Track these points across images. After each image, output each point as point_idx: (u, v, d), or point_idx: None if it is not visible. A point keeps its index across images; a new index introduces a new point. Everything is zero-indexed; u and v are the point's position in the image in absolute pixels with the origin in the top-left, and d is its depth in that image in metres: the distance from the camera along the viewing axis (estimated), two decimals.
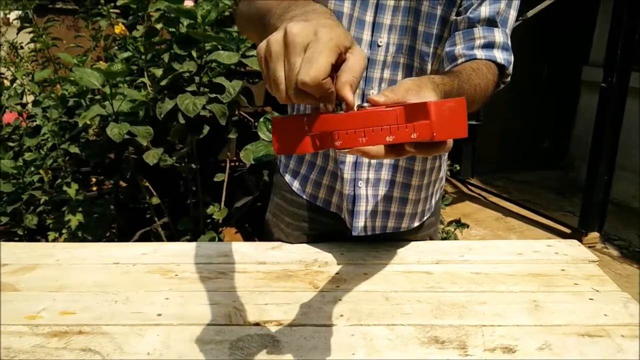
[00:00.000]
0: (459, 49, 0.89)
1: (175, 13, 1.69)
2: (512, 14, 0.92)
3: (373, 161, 1.02)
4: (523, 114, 4.18)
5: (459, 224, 2.43)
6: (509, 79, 0.93)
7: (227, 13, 1.97)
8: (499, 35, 0.89)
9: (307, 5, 0.60)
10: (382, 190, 1.05)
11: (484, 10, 0.88)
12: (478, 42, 0.88)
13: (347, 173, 1.03)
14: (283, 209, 1.16)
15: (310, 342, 0.82)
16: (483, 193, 3.97)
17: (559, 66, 4.16)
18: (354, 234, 1.07)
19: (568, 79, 4.27)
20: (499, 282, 1.00)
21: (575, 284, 1.00)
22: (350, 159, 1.03)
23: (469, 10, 0.89)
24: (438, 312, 0.90)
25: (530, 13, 3.04)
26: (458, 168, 3.02)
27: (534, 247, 1.16)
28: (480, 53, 0.87)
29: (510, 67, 0.91)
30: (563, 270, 1.05)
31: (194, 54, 1.76)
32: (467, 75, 0.79)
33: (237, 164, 2.10)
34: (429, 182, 1.09)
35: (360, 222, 1.06)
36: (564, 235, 3.26)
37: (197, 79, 1.76)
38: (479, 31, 0.88)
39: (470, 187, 4.10)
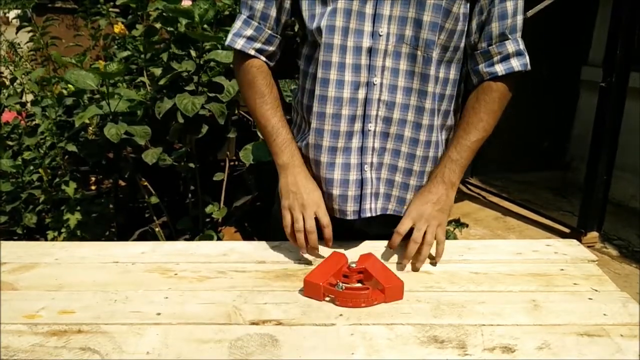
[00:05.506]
0: (482, 67, 1.08)
1: (172, 13, 1.68)
2: (519, 18, 1.06)
3: (377, 145, 1.08)
4: (522, 114, 4.17)
5: (458, 223, 2.43)
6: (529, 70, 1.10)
7: (226, 12, 1.96)
8: (511, 46, 1.06)
9: (290, 167, 1.09)
10: (384, 174, 1.10)
11: (495, 29, 1.05)
12: (496, 59, 1.07)
13: (354, 158, 1.08)
14: None
15: (309, 341, 0.82)
16: (482, 193, 3.97)
17: (559, 66, 4.16)
18: (362, 215, 1.10)
19: (567, 78, 4.27)
20: (498, 281, 1.00)
21: (575, 283, 1.00)
22: (355, 144, 1.07)
23: (482, 35, 1.06)
24: (437, 312, 0.90)
25: (529, 13, 3.04)
26: None
27: (533, 246, 1.16)
28: (500, 68, 1.07)
29: (528, 66, 1.08)
30: (562, 270, 1.05)
31: (193, 53, 1.75)
32: (478, 118, 1.08)
33: (236, 163, 2.09)
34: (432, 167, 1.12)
35: (367, 205, 1.10)
36: (563, 235, 3.26)
37: (195, 78, 1.76)
38: (494, 49, 1.06)
39: (469, 186, 4.10)
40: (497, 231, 3.37)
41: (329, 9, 1.01)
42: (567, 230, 3.32)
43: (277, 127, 1.10)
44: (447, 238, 1.10)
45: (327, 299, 0.93)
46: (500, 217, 3.58)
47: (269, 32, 1.10)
